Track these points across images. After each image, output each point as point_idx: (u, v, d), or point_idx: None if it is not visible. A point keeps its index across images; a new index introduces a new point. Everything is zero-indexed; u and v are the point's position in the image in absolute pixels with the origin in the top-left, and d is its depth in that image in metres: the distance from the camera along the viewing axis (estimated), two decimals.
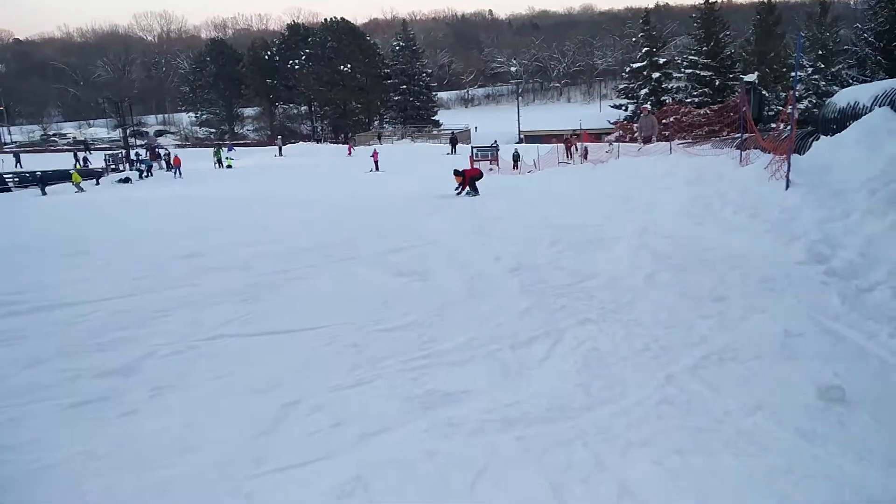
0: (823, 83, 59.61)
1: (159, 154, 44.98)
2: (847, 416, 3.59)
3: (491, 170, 32.99)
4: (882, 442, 3.31)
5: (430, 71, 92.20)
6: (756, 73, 12.80)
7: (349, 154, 47.48)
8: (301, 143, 68.00)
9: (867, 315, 5.09)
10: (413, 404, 4.12)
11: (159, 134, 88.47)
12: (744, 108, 13.07)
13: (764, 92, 58.77)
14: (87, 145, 50.69)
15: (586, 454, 3.41)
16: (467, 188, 17.10)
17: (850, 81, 53.87)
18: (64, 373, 4.97)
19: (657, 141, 19.18)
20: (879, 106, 9.12)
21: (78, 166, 38.71)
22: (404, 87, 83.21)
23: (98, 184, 34.59)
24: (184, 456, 3.64)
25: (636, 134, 20.59)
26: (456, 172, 17.67)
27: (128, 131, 52.53)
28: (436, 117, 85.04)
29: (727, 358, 4.53)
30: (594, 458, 3.36)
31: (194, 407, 4.29)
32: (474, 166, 32.38)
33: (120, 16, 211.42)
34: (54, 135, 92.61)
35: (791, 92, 9.68)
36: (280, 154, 52.04)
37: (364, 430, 3.80)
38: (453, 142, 48.39)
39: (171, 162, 39.57)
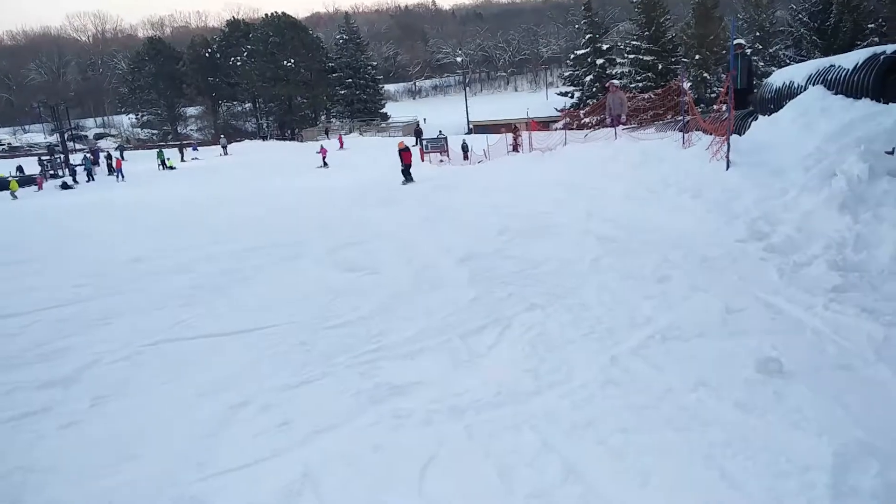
0: (762, 63, 60.76)
1: (98, 158, 43.20)
2: (784, 387, 3.69)
3: (441, 161, 33.06)
4: (816, 410, 3.41)
5: (375, 63, 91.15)
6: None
7: (341, 147, 46.15)
8: (246, 140, 66.57)
9: (804, 288, 5.23)
10: (361, 399, 4.11)
11: (99, 137, 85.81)
12: (686, 95, 13.30)
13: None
14: (52, 150, 47.57)
15: (533, 437, 3.45)
16: (404, 178, 18.66)
17: (788, 61, 54.97)
18: (1, 386, 4.83)
19: (626, 121, 17.54)
20: (813, 85, 9.33)
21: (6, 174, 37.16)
22: (350, 80, 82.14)
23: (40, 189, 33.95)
24: (128, 464, 3.58)
25: (605, 113, 18.93)
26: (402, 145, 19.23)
27: (66, 135, 50.31)
28: (384, 110, 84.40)
29: (670, 337, 4.60)
30: (541, 441, 3.40)
31: (139, 414, 4.22)
32: (424, 158, 32.56)
33: (52, 17, 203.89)
34: None
35: (728, 73, 9.87)
36: (225, 153, 51.07)
37: (312, 427, 3.78)
38: (418, 134, 48.40)
39: (114, 165, 38.49)
